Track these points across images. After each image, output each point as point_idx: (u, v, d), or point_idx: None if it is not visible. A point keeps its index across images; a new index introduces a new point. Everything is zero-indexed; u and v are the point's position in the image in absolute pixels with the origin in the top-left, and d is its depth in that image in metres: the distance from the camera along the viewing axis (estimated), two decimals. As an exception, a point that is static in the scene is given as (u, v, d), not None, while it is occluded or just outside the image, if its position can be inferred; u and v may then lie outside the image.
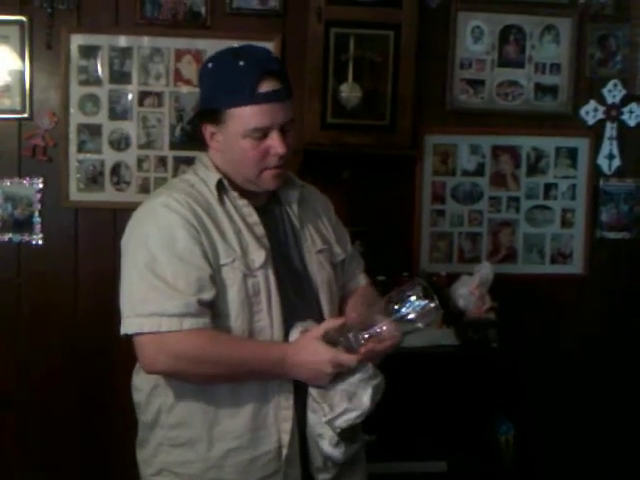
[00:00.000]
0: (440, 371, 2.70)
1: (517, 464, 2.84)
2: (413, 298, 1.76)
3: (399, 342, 1.81)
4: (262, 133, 1.80)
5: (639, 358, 3.18)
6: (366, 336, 1.76)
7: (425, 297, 1.76)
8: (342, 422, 1.76)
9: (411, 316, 1.76)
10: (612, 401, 3.16)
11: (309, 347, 1.77)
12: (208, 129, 1.86)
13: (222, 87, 1.80)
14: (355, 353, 1.75)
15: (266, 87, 1.78)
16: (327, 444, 1.78)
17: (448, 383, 2.69)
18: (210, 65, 1.85)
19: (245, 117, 1.78)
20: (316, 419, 1.79)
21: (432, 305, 1.76)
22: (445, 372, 2.70)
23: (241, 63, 1.78)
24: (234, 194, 1.88)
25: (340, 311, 2.01)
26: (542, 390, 3.09)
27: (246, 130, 1.79)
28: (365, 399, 1.76)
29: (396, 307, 1.76)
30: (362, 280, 2.13)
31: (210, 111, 1.83)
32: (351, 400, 1.76)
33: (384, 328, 1.77)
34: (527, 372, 3.02)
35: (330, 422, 1.76)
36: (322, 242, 1.98)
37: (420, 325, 1.77)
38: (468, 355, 2.74)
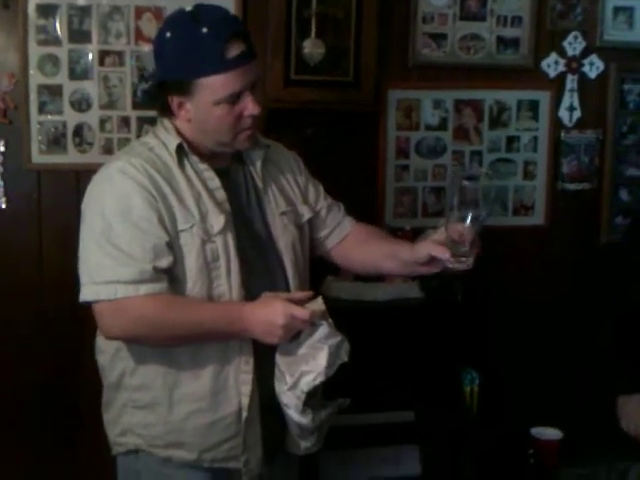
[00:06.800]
0: (406, 324, 2.74)
1: (482, 413, 2.92)
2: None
3: None
4: (235, 97, 1.79)
5: (600, 306, 3.24)
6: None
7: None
8: (303, 386, 1.78)
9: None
10: (574, 349, 3.23)
11: (265, 302, 1.79)
12: (175, 100, 1.82)
13: (187, 58, 1.76)
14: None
15: (233, 51, 1.75)
16: (294, 412, 1.81)
17: (414, 335, 2.74)
18: (169, 35, 1.79)
19: (216, 85, 1.76)
20: (280, 389, 1.81)
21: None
22: (411, 324, 2.74)
23: (204, 30, 1.73)
24: (194, 158, 1.87)
25: (346, 258, 2.11)
26: (506, 340, 3.15)
27: (219, 98, 1.77)
28: (321, 359, 1.76)
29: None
30: (349, 222, 2.15)
31: (176, 82, 1.79)
32: (308, 362, 1.77)
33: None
34: (491, 323, 3.08)
35: (292, 389, 1.78)
36: (286, 204, 1.99)
37: None
38: (433, 307, 2.78)
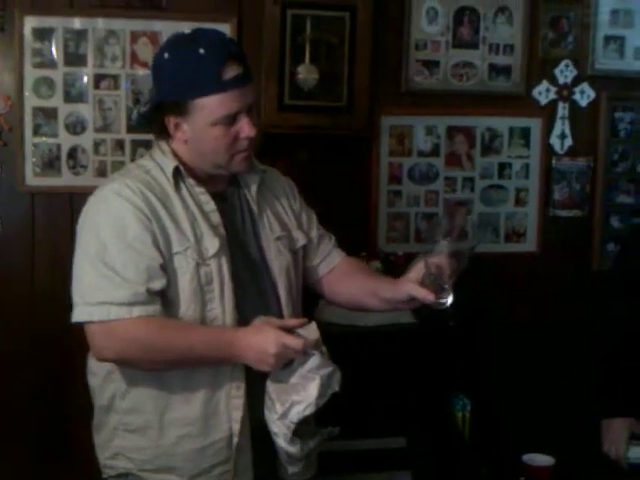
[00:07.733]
0: (398, 349, 2.74)
1: (474, 439, 2.91)
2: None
3: None
4: (231, 119, 1.81)
5: (591, 332, 3.25)
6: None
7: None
8: (293, 416, 1.76)
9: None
10: (566, 375, 3.24)
11: (258, 329, 1.78)
12: (172, 121, 1.84)
13: (184, 78, 1.78)
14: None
15: (230, 73, 1.77)
16: (282, 441, 1.79)
17: (405, 361, 2.73)
18: (167, 56, 1.81)
19: (213, 106, 1.78)
20: (269, 417, 1.79)
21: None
22: (403, 350, 2.74)
23: (201, 51, 1.76)
24: (191, 181, 1.87)
25: (332, 291, 2.11)
26: (498, 366, 3.15)
27: (216, 119, 1.79)
28: (312, 390, 1.74)
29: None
30: (338, 254, 2.14)
31: (173, 103, 1.81)
32: (299, 392, 1.75)
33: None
34: (483, 349, 3.08)
35: (281, 418, 1.76)
36: (281, 229, 1.99)
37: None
38: (425, 333, 2.78)
